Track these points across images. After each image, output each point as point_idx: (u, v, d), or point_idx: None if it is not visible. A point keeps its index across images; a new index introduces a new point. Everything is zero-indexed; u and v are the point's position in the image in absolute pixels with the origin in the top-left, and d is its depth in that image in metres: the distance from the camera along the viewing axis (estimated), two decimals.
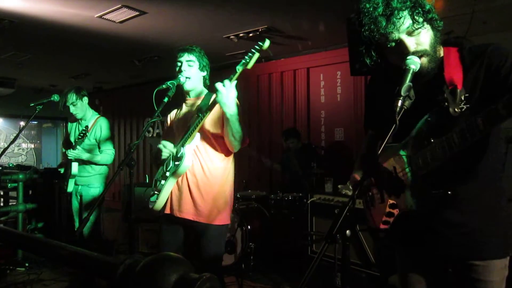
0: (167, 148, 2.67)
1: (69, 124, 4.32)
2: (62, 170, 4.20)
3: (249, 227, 4.59)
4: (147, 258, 0.61)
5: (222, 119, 2.58)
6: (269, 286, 4.26)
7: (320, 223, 3.99)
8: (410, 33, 1.48)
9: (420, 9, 1.46)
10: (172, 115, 2.99)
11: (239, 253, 4.59)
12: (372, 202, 1.73)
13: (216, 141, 2.69)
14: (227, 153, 2.74)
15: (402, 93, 1.36)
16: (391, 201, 1.60)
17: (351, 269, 3.42)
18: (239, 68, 2.35)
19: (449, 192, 1.44)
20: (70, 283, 4.28)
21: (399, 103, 1.35)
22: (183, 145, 2.61)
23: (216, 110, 2.54)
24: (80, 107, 4.06)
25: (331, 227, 1.16)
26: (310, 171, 5.05)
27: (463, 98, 1.40)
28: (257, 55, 2.30)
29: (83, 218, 3.66)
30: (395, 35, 1.47)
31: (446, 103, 1.43)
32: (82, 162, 3.97)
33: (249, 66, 2.32)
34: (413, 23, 1.46)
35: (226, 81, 2.33)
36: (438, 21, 1.51)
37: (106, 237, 5.79)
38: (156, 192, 2.71)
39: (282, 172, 5.98)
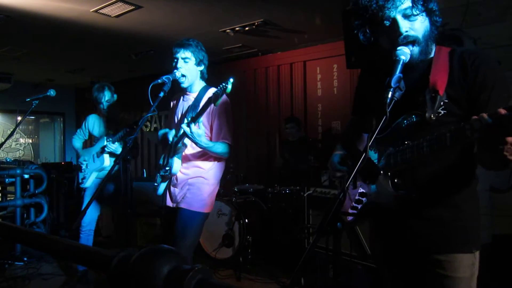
0: (171, 134, 2.83)
1: (91, 118, 4.33)
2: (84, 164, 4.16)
3: (246, 220, 4.61)
4: (141, 251, 0.62)
5: (211, 123, 2.75)
6: (267, 279, 4.29)
7: (317, 216, 4.01)
8: (406, 16, 1.46)
9: None
10: (174, 102, 3.04)
11: (237, 246, 4.62)
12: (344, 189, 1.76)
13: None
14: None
15: (392, 84, 1.35)
16: (361, 189, 1.64)
17: (346, 260, 3.44)
18: (199, 120, 2.53)
19: (413, 195, 1.47)
20: (68, 278, 4.30)
21: (389, 95, 1.34)
22: (174, 152, 2.77)
23: (204, 113, 2.60)
24: (114, 104, 4.21)
25: (323, 219, 1.17)
26: (307, 164, 5.07)
27: (442, 104, 1.41)
28: (221, 93, 2.41)
29: (82, 210, 3.70)
30: (392, 12, 1.45)
31: (424, 108, 1.43)
32: (111, 156, 3.98)
33: (216, 104, 2.45)
34: (412, 6, 1.44)
35: (191, 124, 2.48)
36: (437, 17, 1.50)
37: (104, 232, 5.83)
38: (155, 184, 2.92)
39: (279, 165, 6.00)
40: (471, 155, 1.46)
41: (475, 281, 1.54)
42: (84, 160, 4.12)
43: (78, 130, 4.39)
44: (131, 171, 3.66)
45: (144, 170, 7.28)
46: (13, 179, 5.28)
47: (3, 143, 3.90)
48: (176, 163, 2.75)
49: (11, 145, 12.26)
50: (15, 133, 3.94)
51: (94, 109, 4.30)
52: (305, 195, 4.08)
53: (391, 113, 1.31)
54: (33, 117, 12.90)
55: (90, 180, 4.03)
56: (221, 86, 2.37)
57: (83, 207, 4.06)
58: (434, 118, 1.40)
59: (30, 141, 12.99)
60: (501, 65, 1.51)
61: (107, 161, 3.93)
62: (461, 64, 1.45)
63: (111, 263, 0.64)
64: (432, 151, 1.32)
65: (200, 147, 2.59)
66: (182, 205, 2.77)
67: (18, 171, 5.20)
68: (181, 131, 2.66)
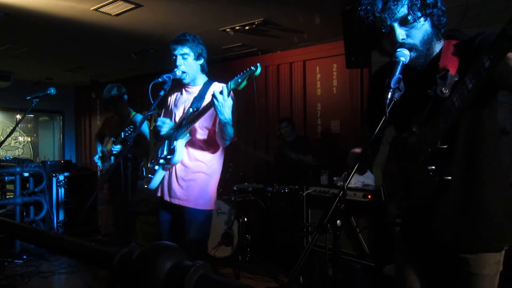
0: (166, 124, 2.79)
1: (106, 119, 4.55)
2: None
3: (245, 219, 4.62)
4: (143, 247, 0.63)
5: (216, 116, 2.67)
6: (266, 278, 4.30)
7: (315, 215, 4.01)
8: (403, 23, 1.46)
9: (419, 2, 1.44)
10: (173, 97, 3.02)
11: (236, 245, 4.62)
12: (388, 196, 1.73)
13: (207, 133, 2.78)
14: (216, 144, 2.80)
15: (392, 85, 1.35)
16: (401, 195, 1.60)
17: (345, 259, 3.45)
18: (231, 85, 2.42)
19: (446, 178, 1.40)
20: (68, 275, 4.31)
21: (389, 95, 1.34)
22: (176, 139, 2.71)
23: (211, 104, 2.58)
24: (125, 105, 4.39)
25: (322, 217, 1.18)
26: (306, 163, 5.08)
27: (453, 82, 1.38)
28: (247, 77, 2.38)
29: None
30: (388, 20, 1.46)
31: (436, 87, 1.41)
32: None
33: (241, 87, 2.40)
34: (408, 14, 1.44)
35: (225, 90, 2.40)
36: (441, 17, 1.49)
37: (104, 230, 5.84)
38: (150, 175, 2.89)
39: (278, 164, 6.00)
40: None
41: (498, 277, 1.54)
42: (99, 158, 4.44)
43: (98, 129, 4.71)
44: (131, 169, 3.64)
45: (144, 169, 7.27)
46: (12, 177, 5.29)
47: (2, 141, 3.90)
48: (179, 152, 2.72)
49: (10, 144, 12.25)
50: (14, 131, 3.93)
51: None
52: (304, 194, 4.09)
53: (406, 116, 1.29)
54: (32, 116, 12.90)
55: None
56: (248, 69, 2.35)
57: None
58: (446, 92, 1.37)
59: (29, 139, 12.98)
60: None
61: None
62: (469, 47, 1.44)
63: (113, 260, 0.64)
64: (446, 121, 1.30)
65: (222, 119, 2.48)
66: (188, 204, 2.75)
67: (17, 169, 5.20)
68: (186, 116, 2.65)
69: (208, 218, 2.84)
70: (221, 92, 2.40)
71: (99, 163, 4.47)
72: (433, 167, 1.43)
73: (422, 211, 1.56)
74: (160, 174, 2.86)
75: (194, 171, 2.78)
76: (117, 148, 3.90)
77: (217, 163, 2.88)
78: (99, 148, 4.51)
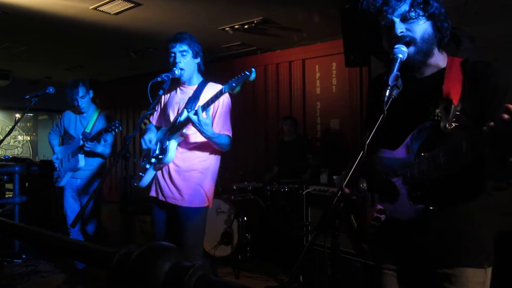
0: (148, 144, 2.85)
1: (67, 115, 4.19)
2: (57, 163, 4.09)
3: (245, 218, 4.62)
4: (142, 248, 0.63)
5: (213, 116, 2.74)
6: (265, 277, 4.30)
7: (315, 214, 4.02)
8: (403, 19, 1.46)
9: (421, 0, 1.44)
10: (167, 96, 3.00)
11: (236, 244, 4.62)
12: (363, 203, 1.72)
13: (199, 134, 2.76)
14: (210, 145, 2.79)
15: (390, 82, 1.34)
16: (379, 207, 1.60)
17: (345, 258, 3.45)
18: (225, 89, 2.46)
19: (431, 208, 1.42)
20: (67, 275, 4.31)
21: (387, 93, 1.32)
22: (169, 139, 2.73)
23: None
24: (87, 100, 4.03)
25: (321, 217, 1.17)
26: (306, 162, 5.08)
27: (455, 116, 1.38)
28: (242, 82, 2.41)
29: (80, 209, 3.67)
30: (389, 15, 1.46)
31: (439, 118, 1.41)
32: (86, 155, 3.90)
33: (235, 91, 2.44)
34: (410, 11, 1.44)
35: (199, 109, 2.46)
36: (443, 22, 1.48)
37: (106, 229, 5.83)
38: (141, 173, 2.89)
39: (279, 164, 6.01)
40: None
41: None
42: (57, 158, 4.06)
43: (54, 126, 4.28)
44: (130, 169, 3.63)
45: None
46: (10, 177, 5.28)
47: (1, 140, 3.89)
48: (171, 152, 2.72)
49: (9, 143, 12.25)
50: (13, 130, 3.90)
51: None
52: (303, 193, 4.09)
53: (401, 128, 1.28)
54: (31, 115, 12.90)
55: (65, 179, 3.96)
56: (243, 74, 2.37)
57: (65, 205, 4.04)
58: (449, 127, 1.37)
59: (29, 138, 12.99)
60: (499, 63, 1.49)
61: (82, 162, 3.86)
62: (474, 75, 1.43)
63: (112, 260, 0.64)
64: (448, 160, 1.30)
65: (205, 136, 2.57)
66: (182, 203, 2.75)
67: (17, 169, 5.20)
68: (180, 119, 2.67)
69: (203, 216, 2.84)
70: (195, 113, 2.46)
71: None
72: (419, 193, 1.45)
73: (401, 226, 1.54)
74: (151, 173, 2.86)
75: (187, 170, 2.77)
76: (90, 145, 3.77)
77: (212, 161, 2.87)
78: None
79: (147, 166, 2.86)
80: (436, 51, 1.52)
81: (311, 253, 3.58)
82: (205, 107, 2.50)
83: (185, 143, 2.78)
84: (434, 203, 1.44)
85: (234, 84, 2.40)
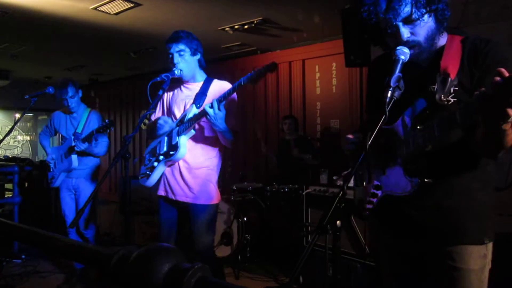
0: (168, 123, 2.79)
1: (56, 116, 4.18)
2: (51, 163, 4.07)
3: (245, 218, 4.61)
4: (140, 249, 0.62)
5: None
6: (265, 277, 4.30)
7: (315, 214, 4.01)
8: (407, 21, 1.45)
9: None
10: (169, 94, 2.99)
11: (236, 244, 4.62)
12: (360, 180, 1.75)
13: (209, 130, 2.78)
14: (218, 141, 2.81)
15: (392, 84, 1.35)
16: (376, 182, 1.62)
17: (345, 259, 3.45)
18: (244, 81, 2.46)
19: (426, 180, 1.44)
20: (66, 275, 4.30)
21: (389, 94, 1.33)
22: (178, 135, 2.70)
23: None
24: (77, 100, 4.00)
25: (322, 218, 1.17)
26: (305, 162, 5.07)
27: (452, 90, 1.39)
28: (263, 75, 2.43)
29: (78, 210, 3.65)
30: (393, 21, 1.45)
31: (435, 89, 1.42)
32: (80, 155, 3.90)
33: (255, 84, 2.53)
34: (412, 12, 1.43)
35: (214, 102, 2.47)
36: (445, 11, 1.48)
37: (103, 230, 5.82)
38: (148, 172, 2.85)
39: (278, 164, 6.00)
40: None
41: (487, 273, 1.51)
42: (52, 159, 4.04)
43: (44, 127, 4.26)
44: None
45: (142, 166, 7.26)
46: (11, 177, 5.27)
47: (1, 140, 3.89)
48: (182, 148, 2.71)
49: (9, 142, 12.25)
50: (13, 130, 3.88)
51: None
52: (303, 193, 4.08)
53: (401, 108, 1.27)
54: (31, 114, 12.91)
55: (60, 179, 3.96)
56: (266, 66, 2.39)
57: (63, 206, 4.03)
58: (444, 100, 1.38)
59: (28, 138, 12.99)
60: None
61: (75, 162, 3.85)
62: (473, 50, 1.44)
63: (111, 261, 0.63)
64: (443, 132, 1.30)
65: (218, 130, 2.58)
66: (194, 201, 2.76)
67: (16, 169, 5.19)
68: (189, 116, 2.67)
69: (213, 212, 2.87)
70: (211, 106, 2.47)
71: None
72: (414, 167, 1.46)
73: (398, 201, 1.56)
74: (159, 171, 2.84)
75: (198, 167, 2.78)
76: (82, 146, 3.74)
77: (220, 157, 2.92)
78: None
79: (155, 164, 2.82)
80: (437, 36, 1.52)
81: (312, 254, 3.58)
82: (221, 100, 2.50)
83: (195, 140, 2.78)
84: (430, 176, 1.45)
85: (254, 76, 2.42)
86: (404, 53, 1.43)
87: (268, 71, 2.39)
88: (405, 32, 1.46)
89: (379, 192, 1.61)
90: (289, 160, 5.55)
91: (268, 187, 5.08)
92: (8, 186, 5.80)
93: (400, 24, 1.46)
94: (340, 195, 1.19)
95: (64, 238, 0.78)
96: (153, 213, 5.19)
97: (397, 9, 1.43)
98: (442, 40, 1.54)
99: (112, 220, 5.87)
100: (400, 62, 1.41)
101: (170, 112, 2.92)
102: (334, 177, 4.07)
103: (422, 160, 1.46)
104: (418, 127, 1.44)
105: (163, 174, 2.86)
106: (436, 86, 1.43)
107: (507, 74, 1.05)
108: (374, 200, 1.63)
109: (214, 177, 2.86)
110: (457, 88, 1.40)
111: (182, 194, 2.77)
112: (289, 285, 3.08)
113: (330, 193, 3.88)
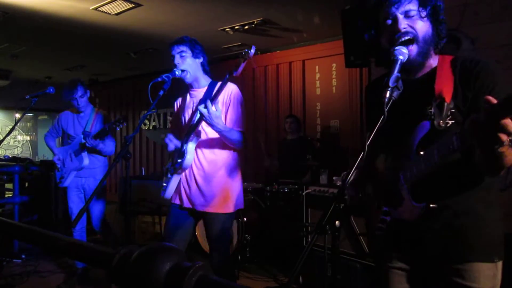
0: (172, 142, 2.77)
1: (64, 116, 4.18)
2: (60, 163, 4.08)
3: (245, 219, 4.61)
4: (142, 248, 0.63)
5: (225, 112, 2.71)
6: (265, 277, 4.30)
7: (315, 215, 4.02)
8: (407, 15, 1.47)
9: (427, 2, 1.46)
10: (178, 102, 3.00)
11: (235, 245, 4.62)
12: (371, 206, 1.73)
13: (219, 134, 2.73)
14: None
15: (390, 84, 1.33)
16: (385, 208, 1.61)
17: (344, 259, 3.45)
18: (228, 75, 2.50)
19: (431, 206, 1.42)
20: (66, 275, 4.30)
21: (387, 94, 1.32)
22: (186, 142, 2.70)
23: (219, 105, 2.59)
24: (86, 100, 4.02)
25: (321, 218, 1.17)
26: (306, 162, 5.08)
27: (449, 113, 1.40)
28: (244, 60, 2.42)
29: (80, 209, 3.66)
30: (394, 10, 1.46)
31: (432, 116, 1.42)
32: (89, 152, 3.89)
33: (237, 70, 2.46)
34: (414, 9, 1.45)
35: (208, 102, 2.43)
36: (443, 28, 1.49)
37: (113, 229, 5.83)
38: (164, 184, 2.83)
39: (279, 164, 6.00)
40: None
41: None
42: (59, 159, 4.04)
43: (51, 128, 4.26)
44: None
45: (143, 168, 7.27)
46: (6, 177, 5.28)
47: (1, 140, 3.89)
48: (189, 155, 2.68)
49: (9, 142, 12.26)
50: (13, 130, 3.89)
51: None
52: (303, 193, 4.09)
53: (396, 131, 1.28)
54: (31, 114, 12.91)
55: (69, 179, 3.96)
56: (243, 52, 2.37)
57: (71, 205, 4.04)
58: (443, 125, 1.39)
59: (29, 138, 13.00)
60: (500, 65, 1.50)
61: (86, 160, 3.85)
62: (464, 72, 1.44)
63: (112, 261, 0.64)
64: (443, 157, 1.30)
65: (216, 130, 2.52)
66: (211, 210, 2.71)
67: (16, 169, 5.20)
68: (196, 118, 2.64)
69: (229, 221, 2.82)
70: (205, 107, 2.42)
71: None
72: (420, 191, 1.46)
73: (406, 225, 1.55)
74: (174, 182, 2.80)
75: (213, 175, 2.74)
76: (92, 142, 3.72)
77: (236, 162, 2.86)
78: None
79: (169, 175, 2.81)
80: (432, 52, 1.53)
81: (311, 254, 3.58)
82: (213, 99, 2.47)
83: (208, 147, 2.74)
84: (436, 199, 1.44)
85: (236, 67, 2.42)
86: (402, 53, 1.43)
87: (246, 55, 2.38)
88: (403, 22, 1.47)
89: (387, 218, 1.60)
90: (289, 160, 5.55)
91: (268, 188, 5.08)
92: (8, 186, 5.82)
93: (401, 16, 1.47)
94: (339, 195, 1.20)
95: (66, 237, 0.79)
96: (153, 213, 5.20)
97: (402, 1, 1.46)
98: (434, 61, 1.55)
99: (113, 220, 5.86)
100: (399, 62, 1.41)
101: (179, 120, 2.91)
102: (334, 178, 4.08)
103: (428, 185, 1.45)
104: (421, 152, 1.43)
105: (179, 182, 2.82)
106: (433, 110, 1.44)
107: (494, 101, 1.06)
108: (384, 225, 1.62)
109: (231, 183, 2.79)
110: (453, 110, 1.41)
111: (200, 204, 2.73)
112: (289, 285, 3.07)
113: (330, 194, 3.88)
